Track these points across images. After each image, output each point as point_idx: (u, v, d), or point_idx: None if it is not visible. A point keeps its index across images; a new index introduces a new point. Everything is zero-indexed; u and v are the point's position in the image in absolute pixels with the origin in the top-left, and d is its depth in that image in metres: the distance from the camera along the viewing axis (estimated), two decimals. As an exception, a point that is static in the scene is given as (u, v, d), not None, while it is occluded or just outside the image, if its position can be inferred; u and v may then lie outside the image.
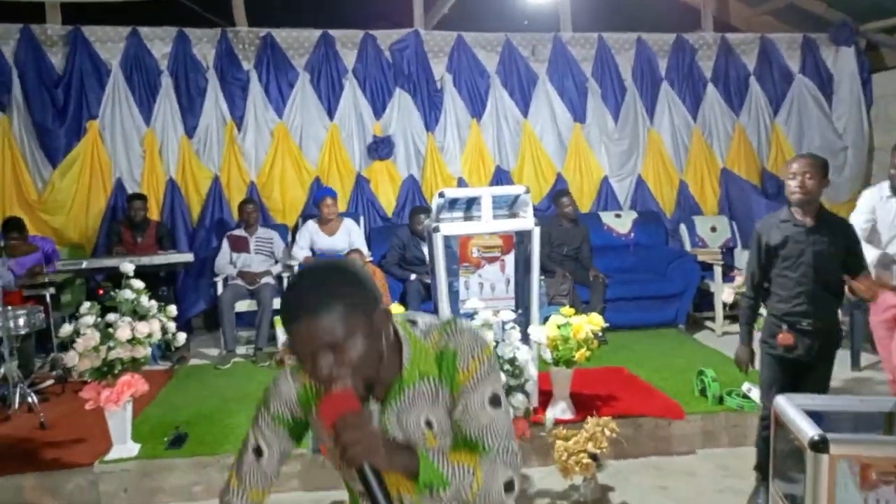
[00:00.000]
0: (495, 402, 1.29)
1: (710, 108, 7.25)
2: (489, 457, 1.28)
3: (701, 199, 7.10)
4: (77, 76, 6.33)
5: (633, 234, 6.72)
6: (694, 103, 7.25)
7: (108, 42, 6.42)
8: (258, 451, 1.36)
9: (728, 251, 6.70)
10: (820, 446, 1.80)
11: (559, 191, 6.46)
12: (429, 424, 1.29)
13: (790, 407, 2.03)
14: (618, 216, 6.83)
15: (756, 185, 7.15)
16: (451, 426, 1.30)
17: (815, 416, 2.13)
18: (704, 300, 6.36)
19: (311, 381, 1.33)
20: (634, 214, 6.85)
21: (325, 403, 1.17)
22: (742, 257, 6.30)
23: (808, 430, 1.86)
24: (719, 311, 6.03)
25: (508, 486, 1.29)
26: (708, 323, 6.32)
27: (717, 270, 5.95)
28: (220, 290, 5.78)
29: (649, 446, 3.96)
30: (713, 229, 6.81)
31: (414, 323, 1.34)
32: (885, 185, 3.56)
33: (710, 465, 3.79)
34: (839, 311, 3.17)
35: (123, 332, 3.50)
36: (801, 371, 3.03)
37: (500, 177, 6.87)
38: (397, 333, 1.30)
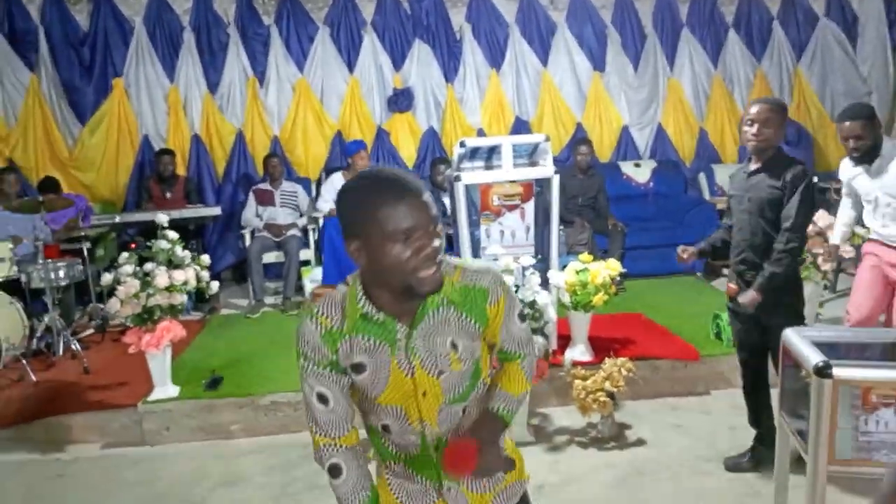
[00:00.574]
0: (522, 317, 1.50)
1: (731, 54, 7.18)
2: (528, 358, 1.54)
3: (721, 147, 7.09)
4: (102, 34, 6.44)
5: (651, 184, 6.75)
6: (715, 50, 7.18)
7: (131, -1, 6.51)
8: (323, 399, 1.39)
9: (748, 199, 6.71)
10: (824, 372, 1.91)
11: (579, 139, 6.49)
12: (454, 346, 1.38)
13: (797, 338, 2.14)
14: (637, 165, 6.85)
15: (777, 133, 7.11)
16: (474, 350, 1.41)
17: (826, 347, 2.24)
18: (723, 248, 6.38)
19: (329, 324, 1.36)
20: (654, 163, 6.87)
21: (450, 460, 1.38)
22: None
23: (813, 357, 1.97)
24: (738, 259, 6.08)
25: None
26: (726, 270, 6.35)
27: (736, 218, 5.98)
28: (247, 242, 5.96)
29: (666, 387, 4.10)
30: (733, 178, 6.80)
31: None
32: None
33: (724, 405, 3.91)
34: (793, 266, 2.91)
35: (161, 280, 3.68)
36: (764, 327, 2.89)
37: (520, 127, 6.90)
38: None
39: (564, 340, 4.19)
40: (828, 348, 2.20)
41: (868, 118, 3.22)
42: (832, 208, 6.36)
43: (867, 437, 1.91)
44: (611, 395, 3.55)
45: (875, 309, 3.48)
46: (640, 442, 3.61)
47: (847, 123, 3.23)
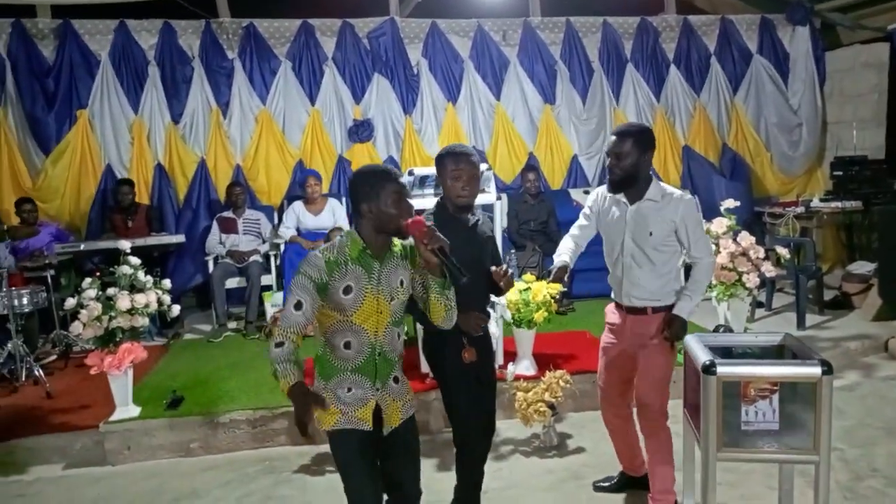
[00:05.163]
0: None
1: (672, 88, 7.59)
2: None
3: (664, 175, 7.44)
4: (67, 67, 6.57)
5: (600, 209, 7.06)
6: (657, 83, 7.59)
7: (98, 34, 6.67)
8: (298, 306, 2.06)
9: (690, 223, 7.07)
10: (710, 369, 2.19)
11: (526, 166, 6.82)
12: (401, 283, 2.20)
13: (695, 343, 2.42)
14: (586, 192, 7.15)
15: (714, 163, 7.53)
16: (408, 289, 2.22)
17: (726, 350, 2.52)
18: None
19: (331, 257, 2.10)
20: (602, 190, 7.20)
21: (414, 223, 2.07)
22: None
23: (701, 357, 2.24)
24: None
25: None
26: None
27: (679, 241, 6.31)
28: (210, 268, 6.12)
29: (606, 399, 4.34)
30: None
31: None
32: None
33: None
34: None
35: (123, 303, 3.84)
36: None
37: (476, 156, 7.18)
38: None
39: (511, 357, 4.43)
40: (723, 352, 2.48)
41: (637, 138, 2.76)
42: (766, 234, 6.75)
43: (748, 427, 2.18)
44: (551, 406, 3.79)
45: (616, 381, 3.14)
46: (579, 450, 3.85)
47: (613, 138, 2.82)
